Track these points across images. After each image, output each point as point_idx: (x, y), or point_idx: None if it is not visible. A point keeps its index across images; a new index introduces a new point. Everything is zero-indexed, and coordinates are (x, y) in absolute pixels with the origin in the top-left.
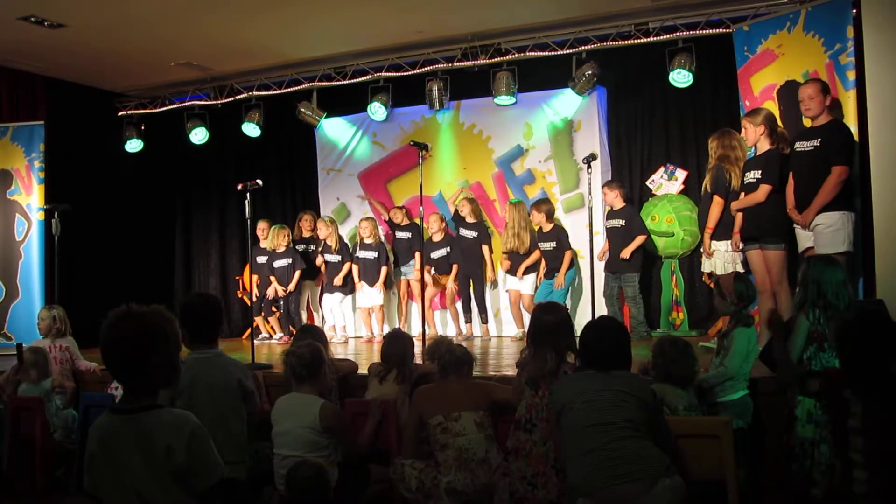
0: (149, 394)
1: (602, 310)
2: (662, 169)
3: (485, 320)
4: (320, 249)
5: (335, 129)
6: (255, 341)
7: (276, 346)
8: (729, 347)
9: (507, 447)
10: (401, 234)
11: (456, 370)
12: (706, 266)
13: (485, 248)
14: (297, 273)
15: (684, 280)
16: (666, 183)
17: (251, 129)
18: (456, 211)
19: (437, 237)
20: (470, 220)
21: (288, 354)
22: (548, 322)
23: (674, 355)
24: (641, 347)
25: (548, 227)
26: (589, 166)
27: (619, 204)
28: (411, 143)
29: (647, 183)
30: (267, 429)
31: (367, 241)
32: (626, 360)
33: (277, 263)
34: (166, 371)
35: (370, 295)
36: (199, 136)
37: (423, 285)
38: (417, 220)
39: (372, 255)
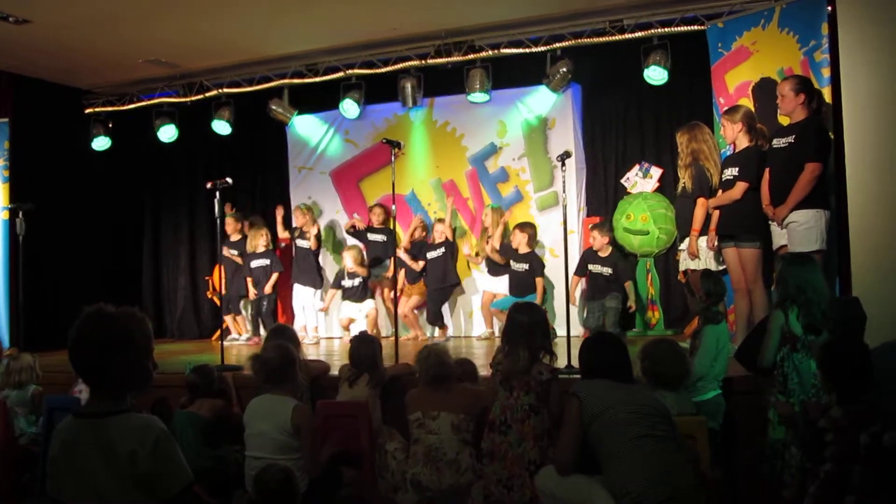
0: (115, 397)
1: (575, 313)
2: (637, 167)
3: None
4: (295, 235)
5: (307, 127)
6: (224, 342)
7: (246, 347)
8: (699, 347)
9: (482, 449)
10: (374, 237)
11: (442, 382)
12: (690, 264)
13: (450, 263)
14: (275, 276)
15: (660, 278)
16: (641, 181)
17: (221, 127)
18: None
19: (437, 239)
20: (438, 240)
21: (255, 359)
22: (522, 322)
23: (659, 356)
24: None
25: (525, 250)
26: (563, 164)
27: (606, 250)
28: (384, 140)
29: (622, 181)
30: (239, 431)
31: (352, 270)
32: (632, 375)
33: (255, 264)
34: (134, 373)
35: (359, 308)
36: (167, 133)
37: (398, 293)
38: (394, 223)
39: (357, 282)
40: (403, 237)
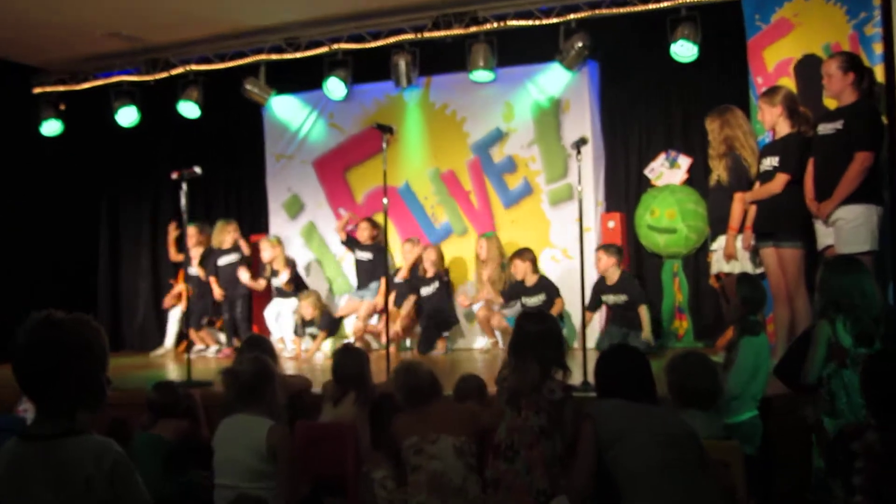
0: (66, 416)
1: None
2: (663, 156)
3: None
4: (266, 275)
5: (286, 110)
6: (191, 355)
7: (216, 360)
8: (734, 361)
9: (486, 478)
10: (361, 255)
11: (423, 399)
12: (724, 267)
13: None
14: (246, 273)
15: (689, 283)
16: (667, 172)
17: (189, 109)
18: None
19: (429, 272)
20: (430, 274)
21: (227, 373)
22: (531, 332)
23: (688, 371)
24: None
25: (533, 280)
26: (578, 152)
27: (614, 275)
28: (374, 125)
29: (646, 172)
30: (207, 456)
31: (311, 317)
32: (655, 393)
33: (222, 261)
34: (88, 390)
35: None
36: (127, 116)
37: (388, 317)
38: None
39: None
40: (400, 259)
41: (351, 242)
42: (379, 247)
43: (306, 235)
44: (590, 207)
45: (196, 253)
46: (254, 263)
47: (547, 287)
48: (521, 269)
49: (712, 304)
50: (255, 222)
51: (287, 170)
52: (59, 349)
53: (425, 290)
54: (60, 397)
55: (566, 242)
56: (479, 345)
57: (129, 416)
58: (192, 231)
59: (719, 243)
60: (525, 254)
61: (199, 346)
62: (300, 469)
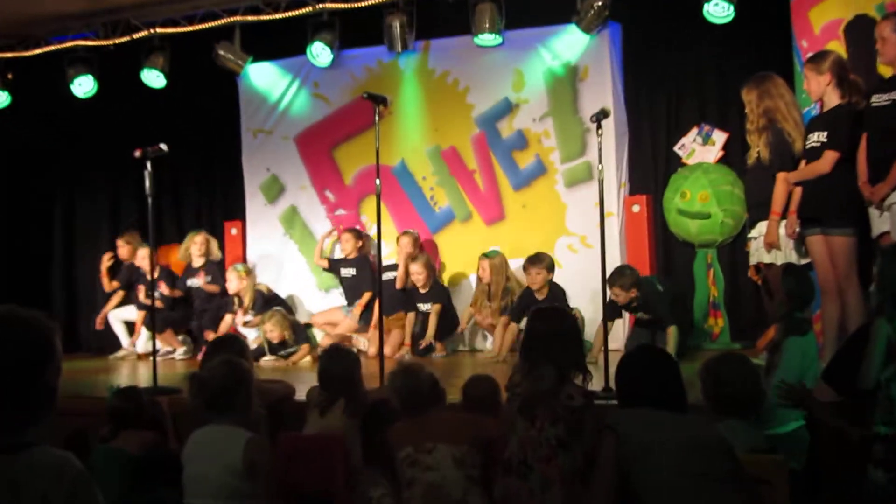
0: (17, 428)
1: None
2: (695, 130)
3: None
4: (234, 308)
5: (264, 79)
6: (156, 358)
7: (185, 363)
8: (778, 364)
9: (495, 498)
10: (346, 272)
11: (423, 405)
12: (765, 257)
13: (435, 309)
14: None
15: (724, 276)
16: (700, 148)
17: (153, 79)
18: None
19: (423, 286)
20: (423, 290)
21: (194, 379)
22: (545, 331)
23: (726, 375)
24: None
25: (545, 291)
26: (599, 126)
27: (632, 296)
28: (364, 95)
29: (676, 149)
30: (176, 472)
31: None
32: (685, 401)
33: (193, 282)
34: (45, 397)
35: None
36: (84, 87)
37: (381, 320)
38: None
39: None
40: (389, 250)
41: (334, 264)
42: (363, 259)
43: (287, 221)
44: (612, 189)
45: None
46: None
47: (558, 296)
48: (536, 280)
49: (752, 299)
50: (229, 207)
51: (265, 147)
52: (23, 352)
53: (424, 307)
54: (16, 406)
55: (585, 229)
56: (485, 346)
57: (88, 426)
58: (121, 242)
59: (759, 230)
60: (541, 261)
61: (165, 347)
62: (282, 487)
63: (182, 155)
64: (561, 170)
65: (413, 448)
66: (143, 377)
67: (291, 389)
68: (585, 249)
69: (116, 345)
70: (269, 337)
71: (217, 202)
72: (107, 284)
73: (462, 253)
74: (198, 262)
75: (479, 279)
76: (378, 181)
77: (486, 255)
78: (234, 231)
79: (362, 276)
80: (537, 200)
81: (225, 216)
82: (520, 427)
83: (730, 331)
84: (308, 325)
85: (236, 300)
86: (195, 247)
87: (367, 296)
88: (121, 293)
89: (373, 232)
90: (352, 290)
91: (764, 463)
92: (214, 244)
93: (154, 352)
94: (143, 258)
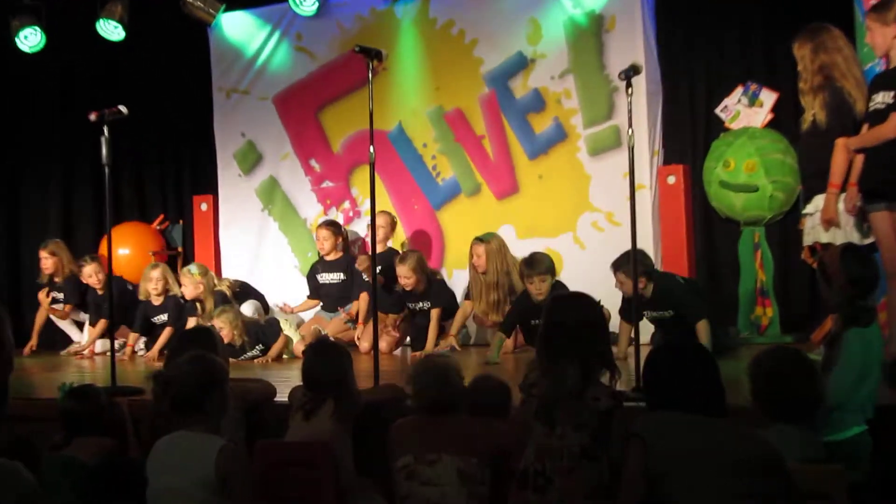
0: None
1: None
2: (741, 89)
3: None
4: (196, 313)
5: (239, 30)
6: (115, 353)
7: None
8: (836, 360)
9: None
10: (329, 277)
11: (444, 411)
12: (822, 236)
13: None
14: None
15: (774, 258)
16: (745, 111)
17: (110, 31)
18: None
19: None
20: (419, 290)
21: (159, 378)
22: (567, 321)
23: (778, 372)
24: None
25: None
26: (628, 85)
27: (647, 290)
28: (356, 49)
29: (718, 111)
30: (139, 484)
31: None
32: (724, 403)
33: (159, 318)
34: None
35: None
36: (31, 41)
37: (376, 315)
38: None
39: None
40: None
41: (314, 273)
42: (346, 260)
43: (265, 195)
44: (643, 158)
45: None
46: None
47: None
48: (543, 289)
49: (806, 285)
50: (198, 179)
51: (240, 109)
52: None
53: (419, 305)
54: None
55: (612, 204)
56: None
57: (36, 432)
58: (45, 253)
59: (815, 205)
60: (541, 264)
61: (121, 339)
62: (261, 503)
63: (144, 119)
64: (584, 135)
65: (413, 457)
66: (100, 376)
67: (272, 390)
68: (612, 228)
69: (67, 339)
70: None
71: (185, 173)
72: (54, 312)
73: (469, 232)
74: (157, 300)
75: (474, 268)
76: (372, 149)
77: (479, 240)
78: (203, 207)
79: (349, 283)
80: (556, 171)
81: (193, 190)
82: (537, 433)
83: (781, 321)
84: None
85: (198, 306)
86: (151, 284)
87: (364, 298)
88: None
89: (365, 208)
90: (334, 300)
91: (820, 475)
92: (172, 278)
93: (112, 348)
94: (90, 275)
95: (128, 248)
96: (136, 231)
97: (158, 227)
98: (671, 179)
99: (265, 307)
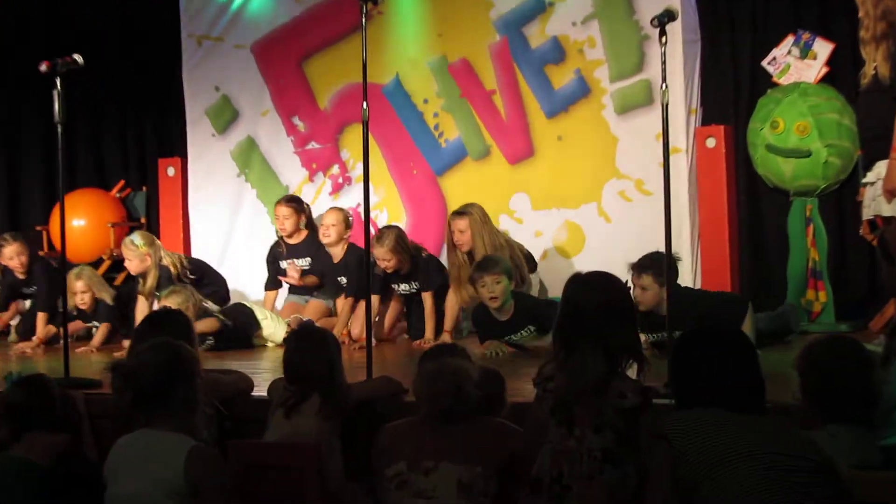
0: None
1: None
2: (790, 39)
3: None
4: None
5: None
6: (68, 342)
7: (108, 350)
8: None
9: None
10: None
11: (455, 421)
12: (884, 209)
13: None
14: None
15: (828, 234)
16: (797, 63)
17: None
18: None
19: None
20: (402, 270)
21: (119, 368)
22: (589, 306)
23: (832, 365)
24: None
25: (510, 311)
26: (662, 33)
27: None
28: None
29: (765, 64)
30: (96, 489)
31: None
32: (763, 401)
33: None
34: None
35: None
36: None
37: (369, 302)
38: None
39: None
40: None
41: (274, 258)
42: (317, 241)
43: (242, 158)
44: (679, 117)
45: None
46: None
47: (533, 313)
48: (497, 291)
49: (864, 265)
50: (165, 139)
51: (213, 59)
52: None
53: (402, 287)
54: None
55: (642, 171)
56: None
57: None
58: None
59: (877, 173)
60: (496, 265)
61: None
62: None
63: (103, 70)
64: (610, 90)
65: (407, 464)
66: (52, 366)
67: (249, 383)
68: (642, 198)
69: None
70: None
71: (149, 133)
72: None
73: (477, 201)
74: (88, 304)
75: (455, 247)
76: (364, 105)
77: (458, 213)
78: (170, 171)
79: (321, 268)
80: (578, 132)
81: (159, 152)
82: (553, 435)
83: (835, 307)
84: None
85: (140, 281)
86: (77, 297)
87: (348, 303)
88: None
89: (356, 174)
90: (303, 287)
91: (878, 483)
92: (98, 282)
93: (66, 334)
94: (10, 257)
95: (83, 219)
96: (93, 199)
97: (118, 195)
98: (710, 142)
99: (224, 297)
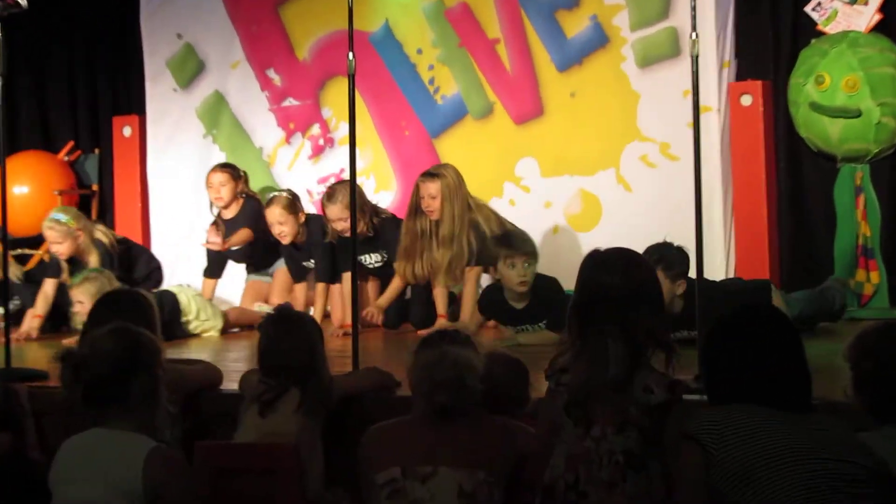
0: None
1: (714, 270)
2: None
3: None
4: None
5: None
6: (9, 331)
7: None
8: None
9: None
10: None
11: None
12: None
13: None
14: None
15: (881, 206)
16: (845, 10)
17: None
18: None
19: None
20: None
21: (69, 358)
22: (611, 287)
23: (884, 357)
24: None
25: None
26: None
27: (676, 302)
28: None
29: (809, 10)
30: (41, 495)
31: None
32: (810, 397)
33: None
34: None
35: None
36: None
37: (355, 284)
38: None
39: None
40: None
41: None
42: (256, 211)
43: (209, 116)
44: (710, 72)
45: None
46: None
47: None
48: (528, 274)
49: None
50: (120, 94)
51: (175, 1)
52: None
53: (372, 260)
54: None
55: (668, 132)
56: None
57: None
58: None
59: None
60: (439, 175)
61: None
62: None
63: (51, 15)
64: (631, 40)
65: (402, 470)
66: None
67: (217, 375)
68: (668, 163)
69: None
70: (76, 311)
71: (102, 87)
72: None
73: (477, 166)
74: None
75: (417, 212)
76: (350, 56)
77: (430, 175)
78: (127, 131)
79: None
80: (594, 87)
81: (114, 109)
82: (569, 435)
83: (889, 290)
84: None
85: (64, 266)
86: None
87: (301, 288)
88: None
89: (340, 135)
90: (243, 253)
91: None
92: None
93: (7, 317)
94: None
95: (26, 186)
96: (38, 163)
97: (67, 158)
98: (746, 100)
99: (158, 281)
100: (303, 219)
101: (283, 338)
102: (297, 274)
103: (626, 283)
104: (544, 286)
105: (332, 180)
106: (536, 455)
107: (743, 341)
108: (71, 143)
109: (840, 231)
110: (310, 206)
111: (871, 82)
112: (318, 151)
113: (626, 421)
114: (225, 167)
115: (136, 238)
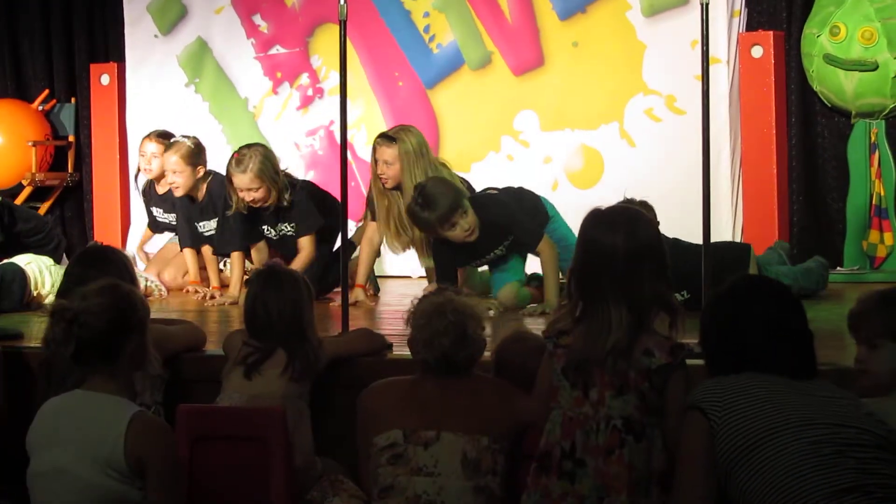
0: None
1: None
2: None
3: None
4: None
5: None
6: None
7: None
8: None
9: None
10: (164, 216)
11: (457, 372)
12: None
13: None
14: None
15: None
16: None
17: None
18: None
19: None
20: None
21: (60, 313)
22: (613, 248)
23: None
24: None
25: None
26: None
27: None
28: None
29: None
30: (14, 463)
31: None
32: (815, 364)
33: None
34: None
35: None
36: None
37: (344, 247)
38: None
39: None
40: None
41: (147, 203)
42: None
43: (191, 64)
44: (719, 21)
45: None
46: None
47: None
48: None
49: None
50: (97, 41)
51: None
52: None
53: (280, 230)
54: None
55: (674, 85)
56: None
57: None
58: None
59: None
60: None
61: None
62: (188, 491)
63: None
64: None
65: (403, 434)
66: None
67: (200, 336)
68: (674, 117)
69: None
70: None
71: (80, 33)
72: None
73: (474, 119)
74: None
75: (377, 180)
76: (342, 1)
77: (386, 138)
78: (105, 79)
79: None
80: (597, 37)
81: (91, 56)
82: (565, 399)
83: None
84: None
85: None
86: None
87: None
88: None
89: (330, 84)
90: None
91: None
92: None
93: None
94: None
95: None
96: (11, 112)
97: (41, 108)
98: (757, 51)
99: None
100: (201, 173)
101: (271, 297)
102: (189, 238)
103: (630, 242)
104: (479, 207)
105: (322, 133)
106: (532, 420)
107: (745, 309)
108: (46, 92)
109: (853, 190)
110: (298, 161)
111: (889, 34)
112: (306, 102)
113: (626, 385)
114: (159, 136)
115: (113, 191)
